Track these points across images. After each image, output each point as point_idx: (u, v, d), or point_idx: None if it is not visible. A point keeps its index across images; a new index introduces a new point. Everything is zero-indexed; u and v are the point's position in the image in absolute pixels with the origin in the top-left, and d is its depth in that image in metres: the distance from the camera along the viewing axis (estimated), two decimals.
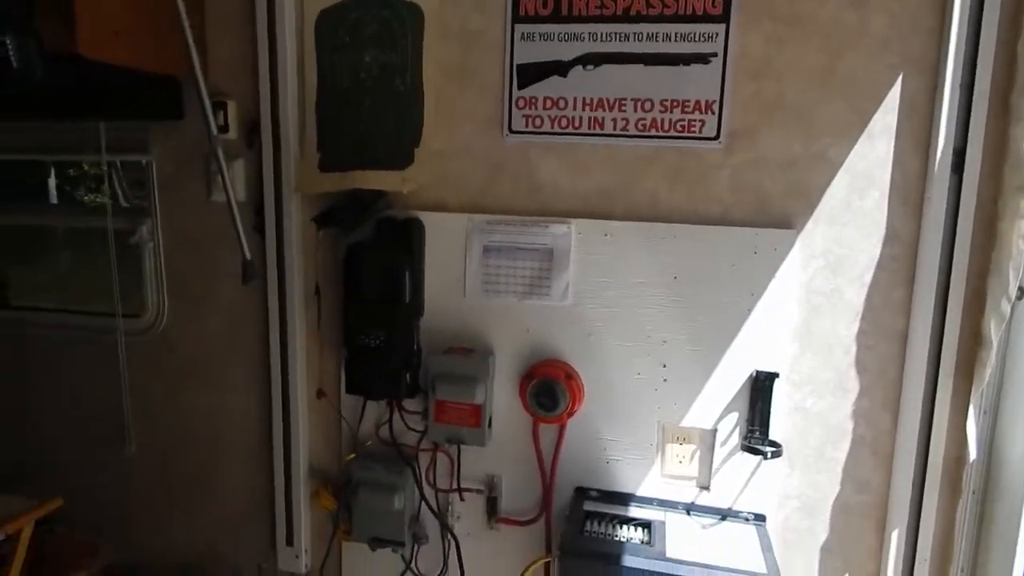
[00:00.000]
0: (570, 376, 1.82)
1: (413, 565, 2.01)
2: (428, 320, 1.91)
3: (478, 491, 1.95)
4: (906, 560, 1.69)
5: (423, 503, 1.97)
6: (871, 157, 1.62)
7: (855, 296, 1.68)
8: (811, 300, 1.70)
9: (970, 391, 1.59)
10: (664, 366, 1.80)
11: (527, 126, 1.81)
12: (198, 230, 2.08)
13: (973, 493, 1.62)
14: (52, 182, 3.21)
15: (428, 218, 1.88)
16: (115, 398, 2.19)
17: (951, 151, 1.56)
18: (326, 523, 2.05)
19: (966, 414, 1.58)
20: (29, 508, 1.85)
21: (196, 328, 2.13)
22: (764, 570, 1.57)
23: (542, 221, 1.82)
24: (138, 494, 2.26)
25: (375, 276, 1.85)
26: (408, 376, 1.89)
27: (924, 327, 1.61)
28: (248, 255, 1.80)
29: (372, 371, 1.88)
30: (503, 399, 1.89)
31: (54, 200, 2.88)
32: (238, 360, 2.10)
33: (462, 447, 1.92)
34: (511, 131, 1.82)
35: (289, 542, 2.09)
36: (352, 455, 1.97)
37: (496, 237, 1.86)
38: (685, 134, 1.71)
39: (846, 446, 1.72)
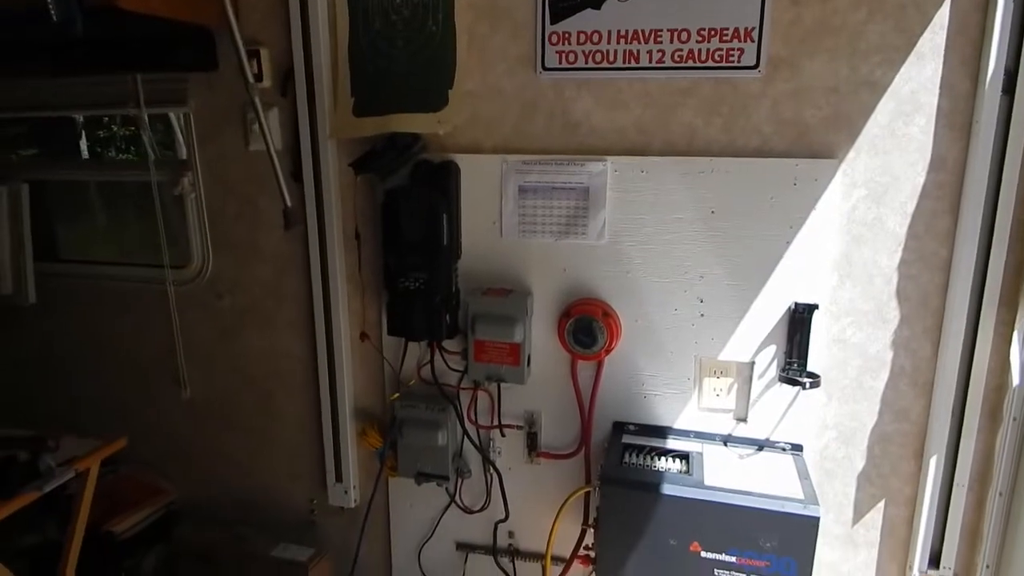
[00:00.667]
0: (607, 314, 1.85)
1: (457, 498, 2.09)
2: (466, 262, 1.94)
3: (518, 427, 2.01)
4: (943, 485, 1.71)
5: (465, 439, 2.04)
6: (918, 80, 1.57)
7: (897, 225, 1.66)
8: (852, 230, 1.69)
9: (1015, 319, 1.58)
10: (701, 301, 1.81)
11: (561, 62, 1.79)
12: (238, 180, 2.12)
13: (1014, 420, 1.62)
14: (83, 144, 3.28)
15: (463, 160, 1.89)
16: (168, 345, 2.28)
17: (1002, 71, 1.51)
18: (373, 460, 2.13)
19: (1010, 341, 1.57)
20: (95, 448, 1.96)
21: (241, 275, 2.19)
22: (801, 496, 1.61)
23: (577, 159, 1.82)
24: (197, 435, 2.37)
25: (413, 220, 1.88)
26: (447, 317, 1.93)
27: (969, 255, 1.59)
28: (289, 202, 1.83)
29: (412, 313, 1.93)
30: (541, 338, 1.92)
31: None
32: (283, 306, 2.16)
33: (502, 385, 1.97)
34: (544, 68, 1.80)
35: (339, 479, 2.19)
36: (396, 395, 2.03)
37: (531, 177, 1.86)
38: (723, 64, 1.67)
39: (885, 376, 1.73)
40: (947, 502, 1.72)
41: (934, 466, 1.70)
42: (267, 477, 2.31)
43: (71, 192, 2.74)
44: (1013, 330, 1.57)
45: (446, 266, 1.90)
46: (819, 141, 1.67)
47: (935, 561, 1.75)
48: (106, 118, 3.70)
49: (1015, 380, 1.56)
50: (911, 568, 1.77)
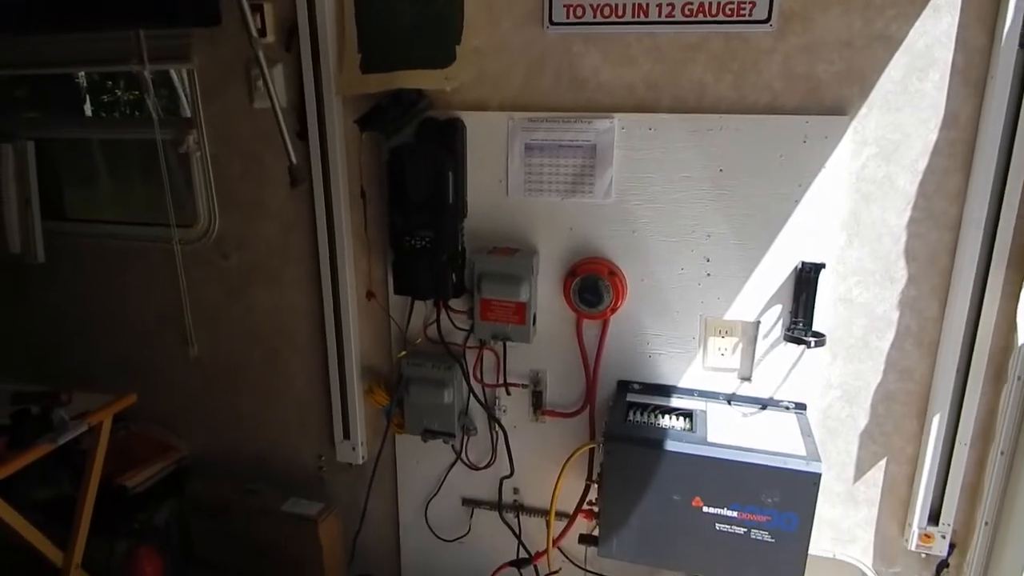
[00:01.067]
0: (613, 273, 1.85)
1: (463, 455, 2.12)
2: (472, 221, 1.94)
3: (523, 386, 2.02)
4: (946, 444, 1.72)
5: (471, 397, 2.06)
6: (933, 34, 1.54)
7: (907, 184, 1.64)
8: (861, 189, 1.67)
9: (1023, 279, 1.57)
10: (708, 260, 1.80)
11: (568, 17, 1.75)
12: (243, 138, 2.11)
13: (1019, 379, 1.62)
14: (87, 108, 3.26)
15: (469, 118, 1.87)
16: (176, 304, 2.29)
17: (1019, 25, 1.47)
18: (380, 417, 2.16)
19: (1017, 300, 1.57)
20: (107, 403, 1.99)
21: (247, 234, 2.19)
22: (803, 453, 1.63)
23: (584, 117, 1.80)
24: (206, 393, 2.40)
25: (419, 178, 1.87)
26: (453, 276, 1.93)
27: (979, 213, 1.58)
28: (294, 159, 1.82)
29: (418, 272, 1.93)
30: (547, 297, 1.93)
31: None
32: (289, 265, 2.16)
33: (508, 344, 1.98)
34: (552, 23, 1.77)
35: (346, 435, 2.22)
36: (402, 353, 2.05)
37: (538, 135, 1.85)
38: (734, 18, 1.64)
39: (891, 335, 1.73)
40: (948, 460, 1.73)
41: (936, 425, 1.71)
42: (276, 434, 2.35)
43: (77, 151, 2.73)
44: (1021, 289, 1.56)
45: (452, 225, 1.90)
46: (831, 97, 1.64)
47: (934, 518, 1.77)
48: (110, 82, 3.67)
49: (1021, 339, 1.56)
50: (910, 525, 1.79)
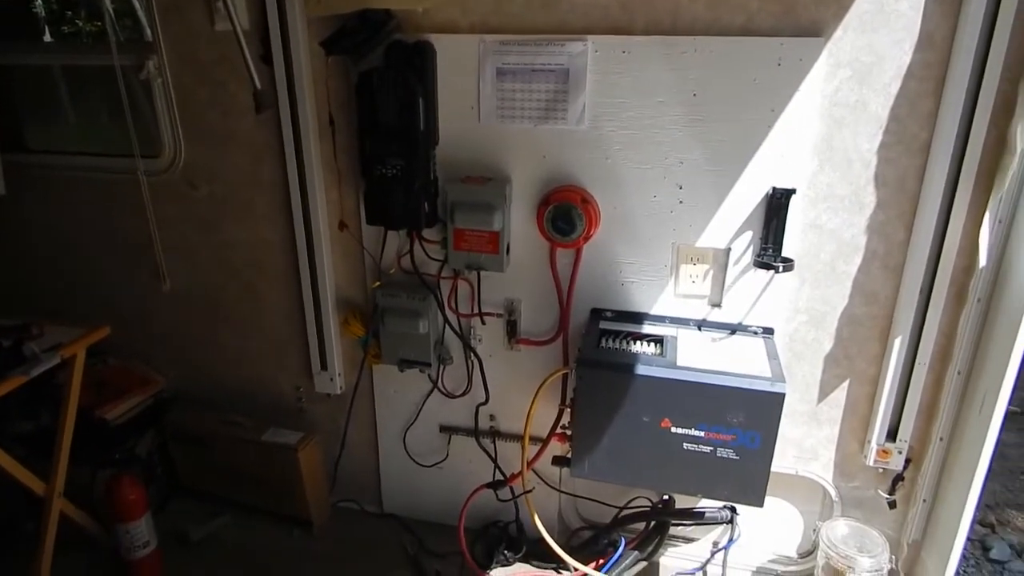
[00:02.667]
0: (586, 201, 1.84)
1: (440, 384, 2.15)
2: (444, 148, 1.91)
3: (498, 315, 2.04)
4: (906, 365, 1.77)
5: (447, 327, 2.08)
6: None
7: (880, 107, 1.63)
8: (834, 113, 1.66)
9: (987, 201, 1.59)
10: (680, 187, 1.80)
11: None
12: (207, 63, 2.03)
13: (978, 301, 1.66)
14: (47, 40, 3.11)
15: (439, 41, 1.82)
16: (146, 237, 2.25)
17: None
18: (356, 348, 2.18)
19: (980, 223, 1.59)
20: (80, 335, 1.98)
21: (216, 165, 2.14)
22: (768, 375, 1.67)
23: (557, 39, 1.75)
24: (182, 327, 2.40)
25: (388, 104, 1.82)
26: (426, 205, 1.92)
27: (948, 137, 1.58)
28: (258, 84, 1.76)
29: (391, 201, 1.91)
30: (520, 225, 1.92)
31: None
32: (261, 196, 2.13)
33: (482, 273, 1.98)
34: None
35: (323, 367, 2.24)
36: (376, 283, 2.05)
37: (509, 59, 1.80)
38: None
39: (858, 260, 1.76)
40: (907, 381, 1.79)
41: (898, 346, 1.76)
42: (254, 366, 2.36)
43: (37, 81, 2.63)
44: (984, 212, 1.58)
45: (424, 153, 1.87)
46: (806, 18, 1.61)
47: (892, 435, 1.84)
48: (69, 12, 3.49)
49: (982, 261, 1.59)
50: (869, 442, 1.86)
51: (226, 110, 2.06)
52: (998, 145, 1.56)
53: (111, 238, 2.35)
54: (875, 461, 1.87)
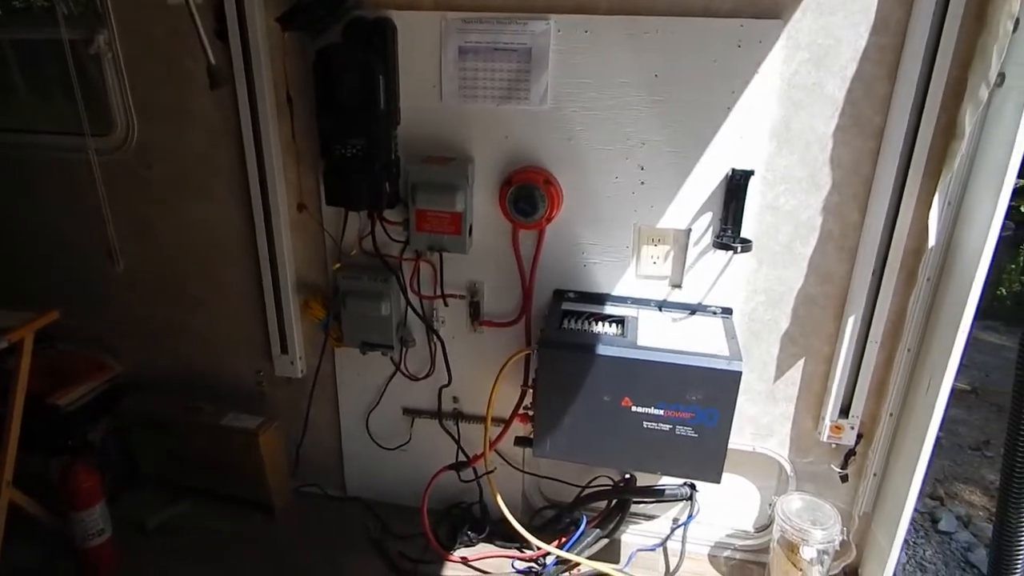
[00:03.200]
0: (549, 182, 1.84)
1: (403, 366, 2.14)
2: (405, 128, 1.88)
3: (461, 297, 2.03)
4: (858, 343, 1.82)
5: (409, 309, 2.06)
6: None
7: (836, 90, 1.66)
8: (792, 95, 1.68)
9: (937, 184, 1.63)
10: (642, 168, 1.81)
11: None
12: (160, 38, 1.96)
13: (928, 280, 1.71)
14: None
15: (400, 18, 1.79)
16: (98, 217, 2.18)
17: None
18: (318, 331, 2.15)
19: (930, 205, 1.63)
20: (28, 319, 1.91)
21: (170, 143, 2.08)
22: (727, 353, 1.70)
23: (520, 18, 1.74)
24: (137, 310, 2.34)
25: (347, 82, 1.78)
26: (387, 186, 1.89)
27: (901, 120, 1.61)
28: (212, 60, 1.72)
29: (351, 182, 1.88)
30: (483, 207, 1.91)
31: None
32: (217, 176, 2.07)
33: (444, 255, 1.97)
34: None
35: (284, 350, 2.21)
36: (337, 265, 2.02)
37: (472, 37, 1.78)
38: None
39: (814, 241, 1.79)
40: (860, 358, 1.83)
41: (851, 325, 1.80)
42: (212, 350, 2.32)
43: None
44: (934, 194, 1.62)
45: (384, 132, 1.84)
46: (767, 0, 1.62)
47: (845, 411, 1.90)
48: None
49: (931, 242, 1.64)
50: (823, 418, 1.91)
51: (180, 87, 2.00)
52: (948, 129, 1.60)
53: (62, 219, 2.27)
54: (828, 437, 1.92)
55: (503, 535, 2.13)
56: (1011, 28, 1.41)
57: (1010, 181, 1.48)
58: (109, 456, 2.31)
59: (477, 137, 1.86)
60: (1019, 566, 1.74)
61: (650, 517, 2.20)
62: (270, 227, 2.06)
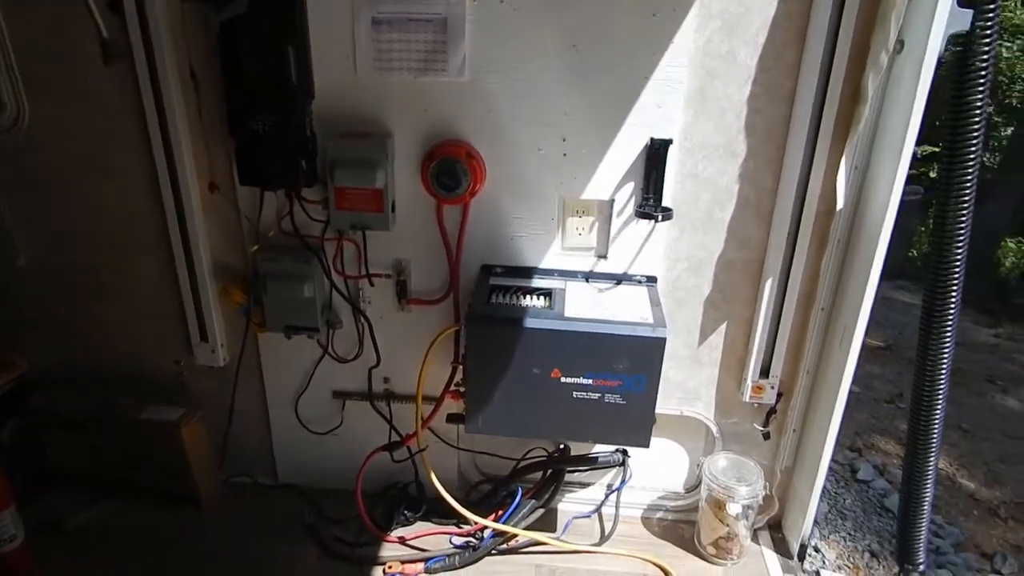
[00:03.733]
0: (471, 155, 1.81)
1: (330, 349, 2.09)
2: (320, 103, 1.81)
3: (387, 276, 1.99)
4: (776, 305, 1.88)
5: (334, 291, 2.01)
6: None
7: (748, 58, 1.69)
8: (706, 64, 1.70)
9: (844, 148, 1.69)
10: (564, 140, 1.80)
11: None
12: (46, 9, 1.82)
13: (838, 243, 1.78)
14: None
15: None
16: None
17: None
18: (239, 317, 2.07)
19: (837, 169, 1.69)
20: None
21: (68, 124, 1.94)
22: (651, 321, 1.73)
23: None
24: (43, 303, 2.18)
25: (255, 55, 1.70)
26: (304, 163, 1.82)
27: (810, 86, 1.66)
28: (105, 33, 1.61)
29: (265, 160, 1.81)
30: (405, 183, 1.87)
31: None
32: (121, 157, 1.95)
33: (367, 233, 1.92)
34: None
35: (203, 338, 2.12)
36: (255, 247, 1.95)
37: (385, 7, 1.72)
38: None
39: (732, 207, 1.83)
40: (778, 320, 1.90)
41: (769, 288, 1.86)
42: (127, 342, 2.20)
43: None
44: (841, 158, 1.68)
45: (297, 107, 1.77)
46: None
47: (765, 372, 1.96)
48: None
49: (839, 204, 1.70)
50: (745, 380, 1.98)
51: (75, 63, 1.86)
52: (854, 95, 1.66)
53: None
54: (750, 397, 1.99)
55: (440, 512, 2.13)
56: None
57: (909, 145, 1.55)
58: (17, 458, 2.17)
59: (396, 111, 1.81)
60: (925, 507, 1.86)
61: (585, 485, 2.24)
62: (181, 210, 1.96)
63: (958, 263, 1.59)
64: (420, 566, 1.97)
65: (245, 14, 1.70)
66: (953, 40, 1.46)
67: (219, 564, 2.02)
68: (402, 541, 2.08)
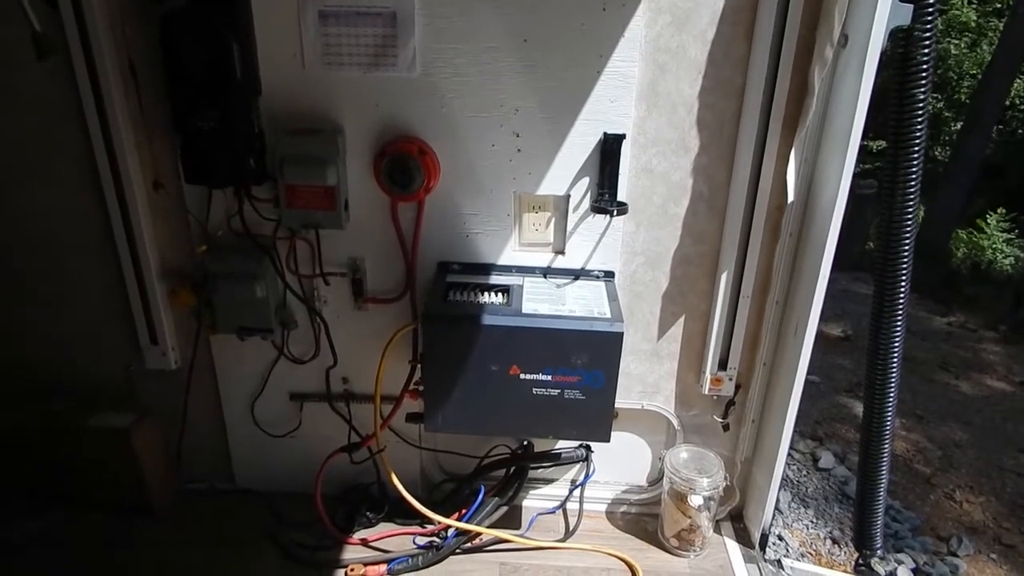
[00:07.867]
0: (424, 151, 1.79)
1: (286, 350, 2.05)
2: (268, 99, 1.77)
3: (342, 274, 1.96)
4: (731, 298, 1.90)
5: (287, 290, 1.97)
6: None
7: (698, 53, 1.69)
8: (657, 59, 1.70)
9: (793, 141, 1.71)
10: (518, 135, 1.79)
11: None
12: None
13: (790, 235, 1.80)
14: None
15: None
16: None
17: None
18: (190, 318, 2.01)
19: (787, 163, 1.71)
20: None
21: (1, 124, 1.86)
22: (608, 315, 1.73)
23: None
24: None
25: (197, 50, 1.65)
26: (252, 161, 1.78)
27: (759, 80, 1.67)
28: (37, 27, 1.54)
29: (211, 157, 1.75)
30: (358, 180, 1.84)
31: None
32: (60, 158, 1.87)
33: (320, 231, 1.89)
34: None
35: (153, 341, 2.05)
36: (203, 247, 1.89)
37: (332, 0, 1.69)
38: None
39: (686, 202, 1.84)
40: (734, 313, 1.92)
41: (724, 281, 1.87)
42: (71, 348, 2.12)
43: None
44: (790, 152, 1.70)
45: (243, 103, 1.73)
46: None
47: (723, 364, 1.98)
48: None
49: (790, 197, 1.72)
50: (704, 372, 1.99)
51: (7, 60, 1.79)
52: (802, 89, 1.67)
53: None
54: (710, 389, 2.01)
55: (403, 513, 2.10)
56: None
57: (856, 138, 1.57)
58: None
59: (346, 107, 1.78)
60: (880, 493, 1.90)
61: (549, 481, 2.24)
62: (125, 210, 1.89)
63: (905, 253, 1.62)
64: (383, 568, 1.94)
65: (186, 7, 1.65)
66: (895, 34, 1.48)
67: (175, 573, 1.97)
68: (364, 543, 2.05)
